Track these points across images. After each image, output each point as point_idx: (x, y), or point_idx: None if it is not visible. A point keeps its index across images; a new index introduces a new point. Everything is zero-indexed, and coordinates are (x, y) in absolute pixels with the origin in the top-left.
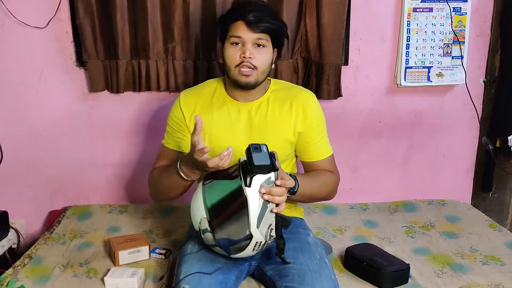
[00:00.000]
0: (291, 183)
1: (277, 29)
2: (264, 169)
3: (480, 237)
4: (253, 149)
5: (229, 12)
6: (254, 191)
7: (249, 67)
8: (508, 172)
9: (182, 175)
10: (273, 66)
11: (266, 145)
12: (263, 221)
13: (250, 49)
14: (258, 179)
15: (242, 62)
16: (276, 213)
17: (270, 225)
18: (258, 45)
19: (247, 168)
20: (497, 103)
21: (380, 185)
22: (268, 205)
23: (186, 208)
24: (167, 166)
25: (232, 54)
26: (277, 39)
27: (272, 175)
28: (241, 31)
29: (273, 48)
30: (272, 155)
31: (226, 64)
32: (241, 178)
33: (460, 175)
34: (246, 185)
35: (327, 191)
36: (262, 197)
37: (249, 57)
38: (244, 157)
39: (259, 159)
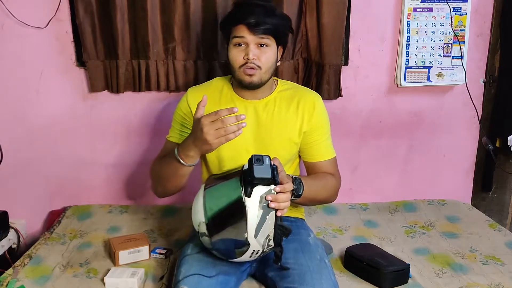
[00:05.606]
0: (289, 186)
1: (279, 29)
2: (264, 182)
3: (480, 237)
4: (255, 160)
5: (230, 15)
6: (253, 202)
7: (253, 67)
8: (508, 172)
9: (179, 158)
10: (278, 63)
11: (269, 156)
12: (261, 231)
13: (253, 51)
14: (259, 190)
15: (246, 63)
16: (277, 223)
17: (269, 235)
18: (261, 45)
19: (247, 179)
20: (497, 103)
21: (380, 185)
22: (267, 217)
23: (188, 209)
24: (167, 154)
25: (235, 55)
26: (280, 37)
27: (272, 187)
28: (243, 33)
29: (278, 46)
30: (274, 168)
31: (231, 65)
32: (241, 188)
33: (460, 175)
34: (246, 195)
35: (327, 194)
36: (268, 206)
37: (253, 58)
38: (247, 165)
39: (260, 172)
